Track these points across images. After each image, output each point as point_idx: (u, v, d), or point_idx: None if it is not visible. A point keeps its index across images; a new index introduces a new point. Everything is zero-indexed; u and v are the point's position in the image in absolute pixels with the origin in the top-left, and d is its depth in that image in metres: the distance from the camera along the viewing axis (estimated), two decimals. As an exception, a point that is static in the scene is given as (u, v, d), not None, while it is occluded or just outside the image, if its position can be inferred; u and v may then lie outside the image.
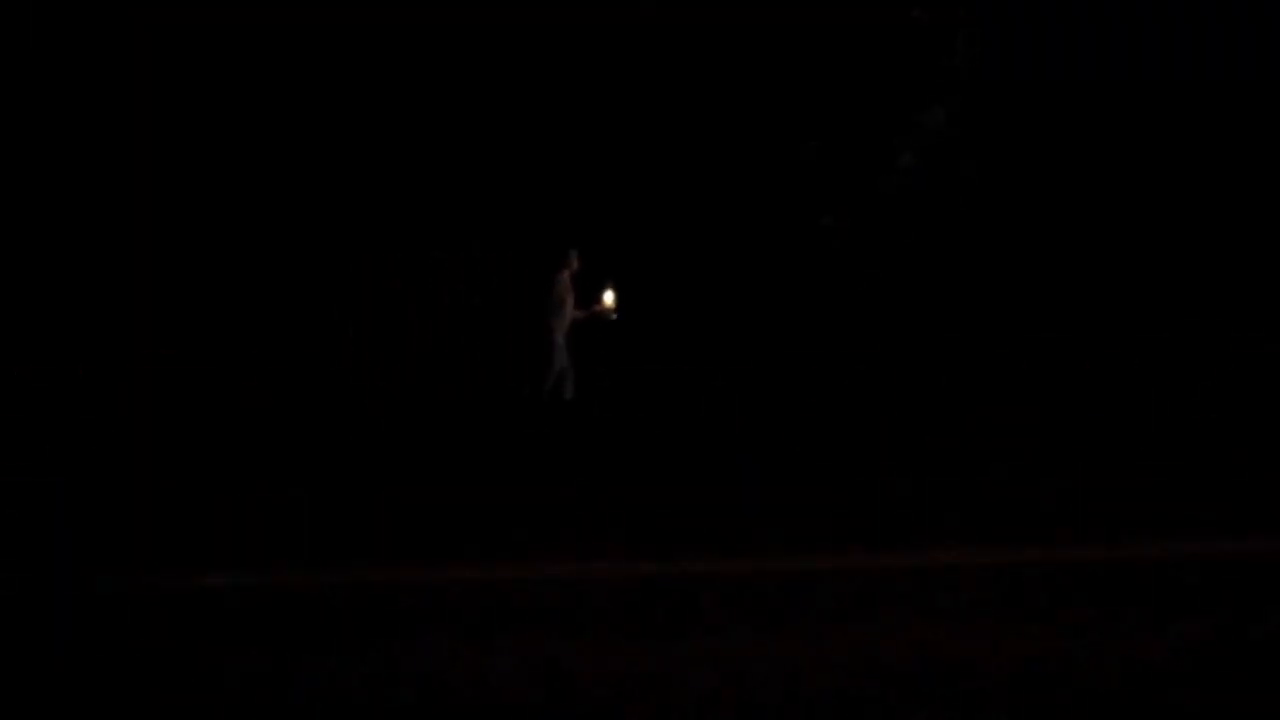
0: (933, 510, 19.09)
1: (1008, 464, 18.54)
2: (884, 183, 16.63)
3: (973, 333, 16.29)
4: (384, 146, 19.90)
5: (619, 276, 17.91)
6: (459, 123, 19.81)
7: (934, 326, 17.69)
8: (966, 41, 15.59)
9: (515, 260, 20.09)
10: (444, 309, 20.35)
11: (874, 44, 16.50)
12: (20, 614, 15.09)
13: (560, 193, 19.01)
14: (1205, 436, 20.12)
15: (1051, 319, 13.53)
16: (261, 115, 19.87)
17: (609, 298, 12.06)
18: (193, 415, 20.07)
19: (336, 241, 20.38)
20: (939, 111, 14.24)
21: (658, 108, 18.09)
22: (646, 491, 18.57)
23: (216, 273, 20.56)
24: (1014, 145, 15.69)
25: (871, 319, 18.06)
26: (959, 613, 12.99)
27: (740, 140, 17.85)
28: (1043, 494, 14.65)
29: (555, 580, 15.43)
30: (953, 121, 14.85)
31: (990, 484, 18.95)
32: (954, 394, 19.83)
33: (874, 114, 16.61)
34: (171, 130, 19.03)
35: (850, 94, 16.76)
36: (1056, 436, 14.85)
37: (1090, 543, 14.58)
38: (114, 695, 10.65)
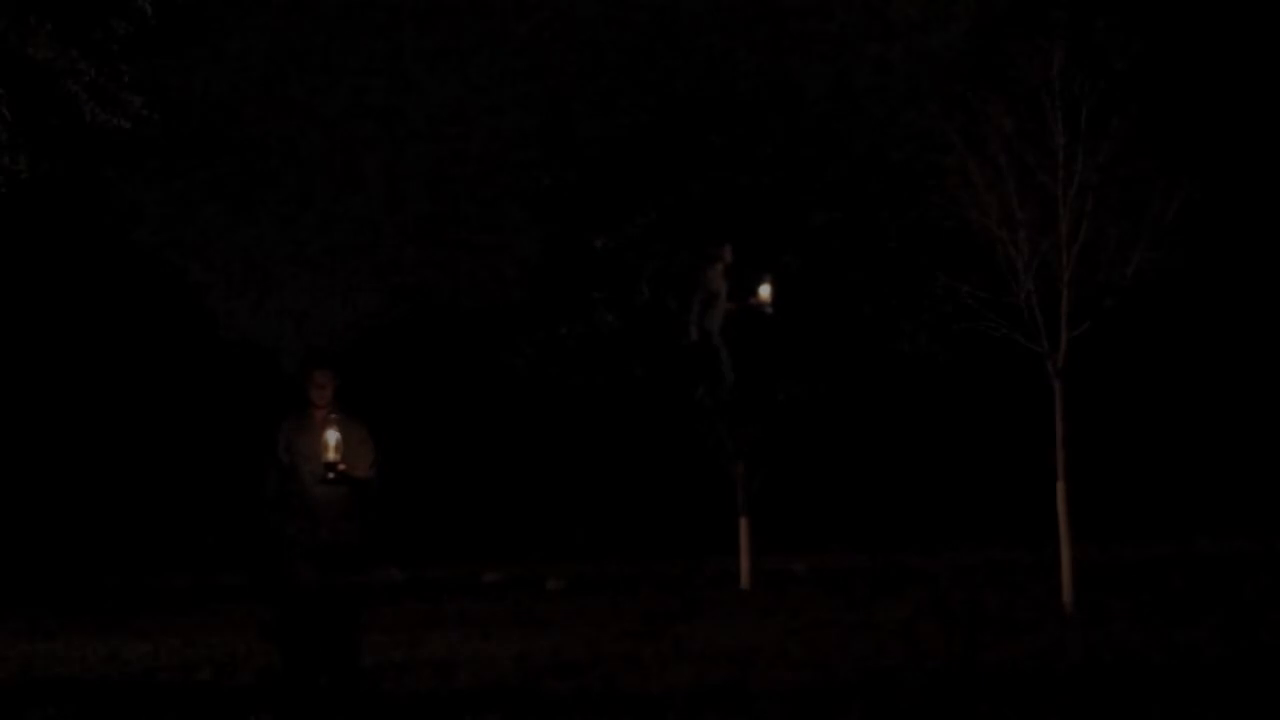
0: (932, 511, 19.10)
1: (1008, 465, 18.56)
2: (875, 182, 16.64)
3: (972, 336, 16.24)
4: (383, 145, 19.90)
5: (615, 277, 17.91)
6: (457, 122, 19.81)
7: (929, 331, 17.62)
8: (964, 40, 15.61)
9: (515, 260, 20.08)
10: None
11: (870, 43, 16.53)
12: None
13: (557, 191, 18.94)
14: (1210, 438, 20.13)
15: (1052, 322, 13.50)
16: (262, 114, 19.86)
17: (765, 291, 11.39)
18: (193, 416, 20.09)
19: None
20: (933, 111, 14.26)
21: (650, 106, 18.06)
22: (643, 497, 18.57)
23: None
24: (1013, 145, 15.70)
25: (866, 324, 17.99)
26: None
27: (732, 138, 17.83)
28: (1041, 496, 14.69)
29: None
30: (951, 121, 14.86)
31: (990, 486, 18.93)
32: (954, 397, 19.87)
33: (870, 114, 16.62)
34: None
35: (848, 93, 16.78)
36: (1055, 441, 14.87)
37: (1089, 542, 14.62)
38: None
